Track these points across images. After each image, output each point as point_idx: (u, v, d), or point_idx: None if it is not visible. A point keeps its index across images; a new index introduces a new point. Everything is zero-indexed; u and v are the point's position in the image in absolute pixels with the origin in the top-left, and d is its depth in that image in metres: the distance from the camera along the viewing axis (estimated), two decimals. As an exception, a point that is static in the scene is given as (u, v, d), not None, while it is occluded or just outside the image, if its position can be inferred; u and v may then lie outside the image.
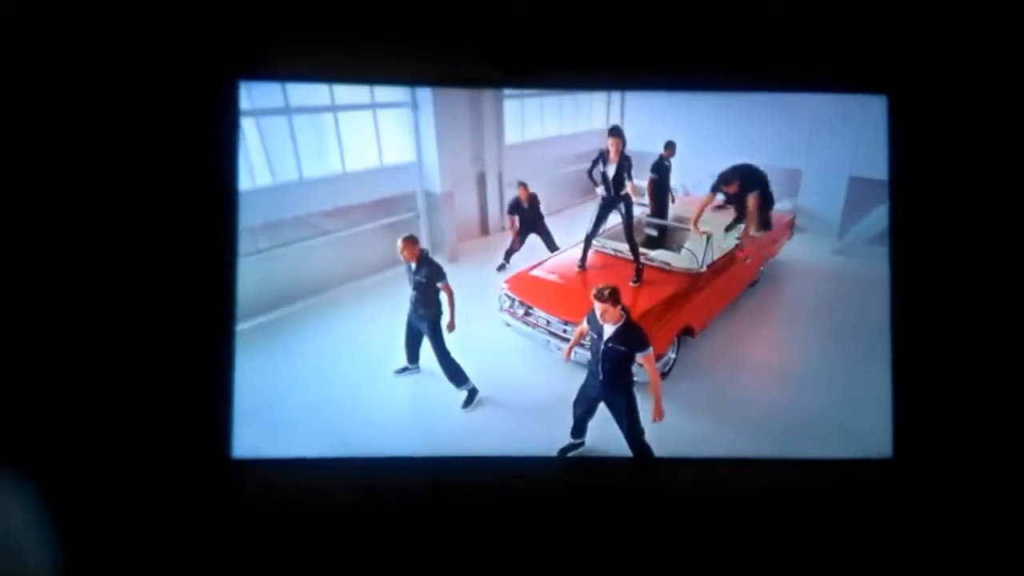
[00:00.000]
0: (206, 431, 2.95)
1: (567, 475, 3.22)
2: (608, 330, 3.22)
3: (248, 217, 3.14)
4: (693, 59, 3.14)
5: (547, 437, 3.37)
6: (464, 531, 3.04)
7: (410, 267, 3.76)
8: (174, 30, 2.86)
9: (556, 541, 3.03)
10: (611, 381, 3.26)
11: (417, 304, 3.78)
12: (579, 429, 3.40)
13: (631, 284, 4.18)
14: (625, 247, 4.40)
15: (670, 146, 4.78)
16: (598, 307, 3.20)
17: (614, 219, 4.40)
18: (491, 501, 3.06)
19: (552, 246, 4.77)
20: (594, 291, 3.19)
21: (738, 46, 3.14)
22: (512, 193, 4.82)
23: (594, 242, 4.44)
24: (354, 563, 2.99)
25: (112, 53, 2.83)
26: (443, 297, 3.79)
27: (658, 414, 3.27)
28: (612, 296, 3.17)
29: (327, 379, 3.71)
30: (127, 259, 2.86)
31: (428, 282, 3.75)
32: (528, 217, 4.80)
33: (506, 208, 4.90)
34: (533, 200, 4.75)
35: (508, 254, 4.78)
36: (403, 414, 3.67)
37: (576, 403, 3.38)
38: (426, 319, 3.78)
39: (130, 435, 2.87)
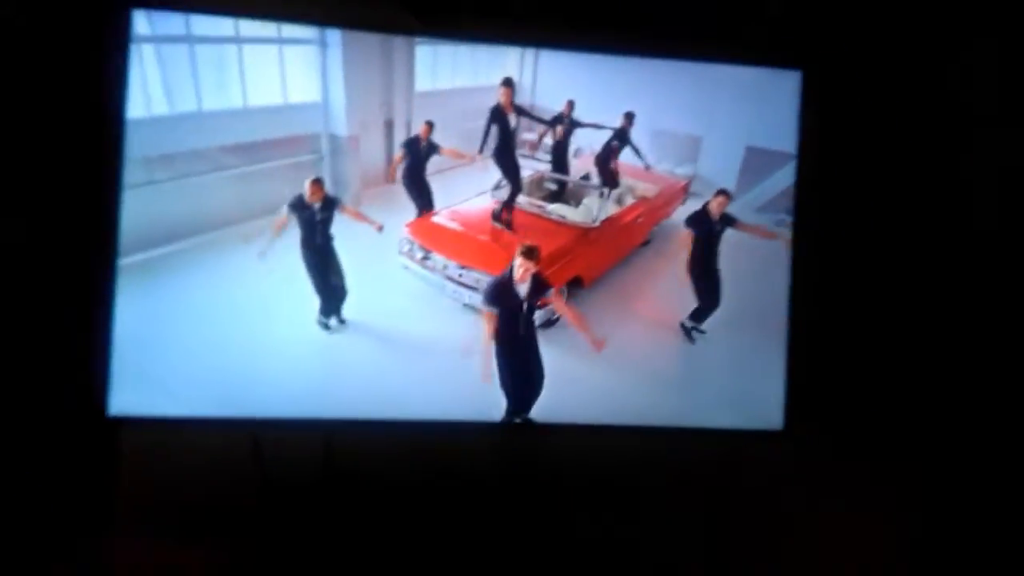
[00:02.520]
0: (80, 382, 2.83)
1: (461, 439, 3.27)
2: (523, 290, 3.22)
3: (143, 147, 3.06)
4: (612, 22, 3.19)
5: (450, 397, 3.33)
6: (355, 501, 3.06)
7: (312, 209, 3.79)
8: None
9: (459, 510, 3.13)
10: (531, 341, 3.30)
11: (327, 240, 3.83)
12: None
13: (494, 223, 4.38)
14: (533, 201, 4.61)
15: (570, 104, 4.83)
16: (522, 264, 3.17)
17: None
18: (389, 470, 3.12)
19: (429, 206, 4.62)
20: (522, 249, 3.18)
21: (658, 13, 3.20)
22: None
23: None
24: (236, 532, 2.96)
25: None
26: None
27: (598, 344, 3.34)
28: (538, 256, 3.19)
29: (216, 325, 3.56)
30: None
31: (331, 214, 3.83)
32: (416, 164, 4.61)
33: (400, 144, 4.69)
34: (430, 147, 4.58)
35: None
36: (296, 369, 3.52)
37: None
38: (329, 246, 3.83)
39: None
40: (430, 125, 4.51)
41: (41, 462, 2.77)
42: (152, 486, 2.88)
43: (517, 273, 3.20)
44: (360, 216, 3.97)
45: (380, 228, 3.98)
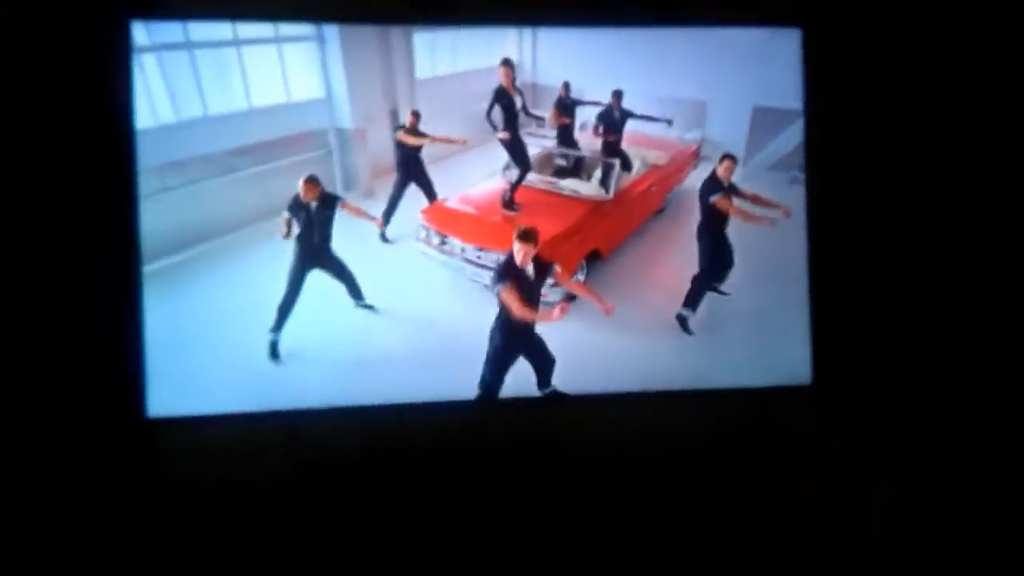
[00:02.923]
0: (118, 387, 2.86)
1: (488, 417, 3.27)
2: (529, 270, 3.20)
3: (153, 156, 3.08)
4: None
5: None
6: (394, 485, 3.07)
7: (308, 208, 3.74)
8: None
9: (492, 490, 3.12)
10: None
11: (325, 239, 3.79)
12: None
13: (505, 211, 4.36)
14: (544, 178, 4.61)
15: (565, 85, 4.85)
16: (520, 247, 3.14)
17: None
18: (424, 451, 3.10)
19: (433, 197, 4.60)
20: (518, 232, 3.14)
21: None
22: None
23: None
24: (279, 526, 2.97)
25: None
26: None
27: (608, 305, 3.29)
28: (536, 237, 3.14)
29: (239, 322, 3.63)
30: (23, 206, 2.79)
31: (331, 213, 3.78)
32: (409, 161, 4.57)
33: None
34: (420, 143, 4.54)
35: (387, 214, 4.55)
36: (325, 358, 3.61)
37: (501, 366, 3.31)
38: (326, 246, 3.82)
39: (34, 397, 2.78)
40: (416, 115, 4.50)
41: (85, 466, 2.81)
42: (193, 482, 2.91)
43: (518, 257, 3.17)
44: (361, 213, 3.93)
45: (381, 224, 3.94)
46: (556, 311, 3.08)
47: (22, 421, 2.77)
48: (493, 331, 3.27)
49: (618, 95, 4.77)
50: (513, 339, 3.24)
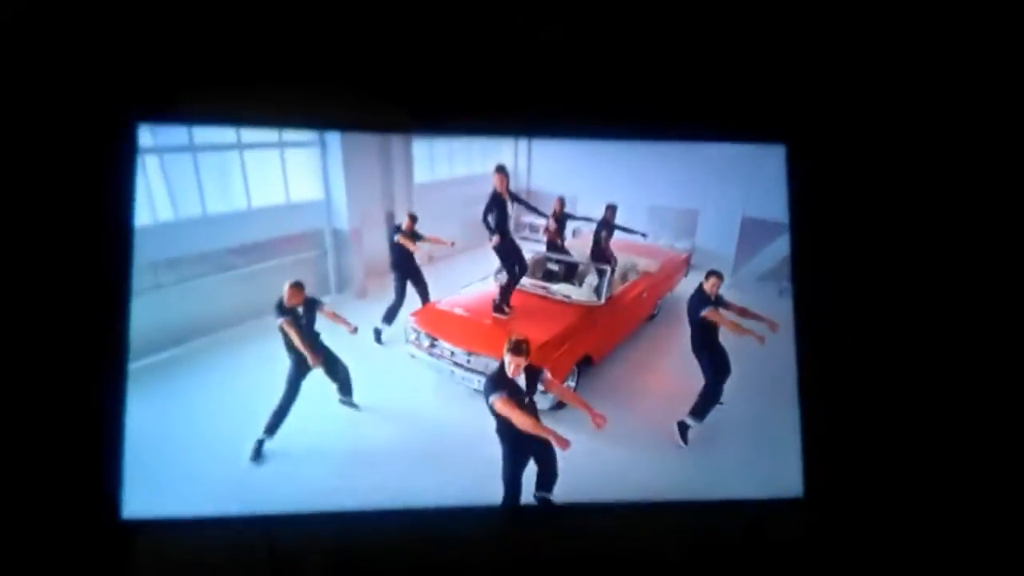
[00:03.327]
0: (94, 488, 2.77)
1: (478, 528, 3.13)
2: (521, 381, 3.15)
3: (149, 252, 3.11)
4: (598, 108, 3.27)
5: (467, 485, 3.28)
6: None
7: (295, 313, 3.73)
8: (74, 71, 2.84)
9: None
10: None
11: (310, 338, 3.78)
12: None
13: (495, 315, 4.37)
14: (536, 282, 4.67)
15: (560, 200, 4.98)
16: (512, 360, 3.10)
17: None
18: (405, 560, 3.00)
19: (426, 297, 4.67)
20: (510, 345, 3.10)
21: (641, 97, 3.28)
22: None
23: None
24: None
25: (8, 95, 2.81)
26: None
27: (599, 417, 3.17)
28: (528, 350, 3.11)
29: (225, 423, 3.59)
30: (16, 295, 2.76)
31: (313, 316, 3.80)
32: (404, 262, 4.65)
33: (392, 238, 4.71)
34: (414, 237, 4.63)
35: (392, 313, 4.63)
36: (308, 462, 3.54)
37: (515, 465, 3.24)
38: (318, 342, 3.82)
39: (6, 492, 2.70)
40: (413, 218, 4.61)
41: (58, 567, 2.70)
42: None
43: (509, 369, 3.13)
44: (338, 318, 3.91)
45: (354, 330, 3.93)
46: (562, 444, 3.03)
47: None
48: (500, 436, 3.20)
49: (612, 209, 4.90)
50: (519, 442, 3.16)
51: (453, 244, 4.68)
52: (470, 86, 3.17)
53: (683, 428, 3.83)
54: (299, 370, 3.73)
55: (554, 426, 3.09)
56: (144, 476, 2.83)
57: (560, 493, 3.26)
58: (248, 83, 3.03)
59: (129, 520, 2.80)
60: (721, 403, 3.89)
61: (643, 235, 5.07)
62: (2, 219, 2.76)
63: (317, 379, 3.79)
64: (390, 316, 4.57)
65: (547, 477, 3.26)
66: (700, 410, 3.86)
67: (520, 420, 3.04)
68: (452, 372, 4.00)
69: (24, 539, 2.68)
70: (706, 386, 3.90)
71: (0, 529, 2.67)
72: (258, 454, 3.53)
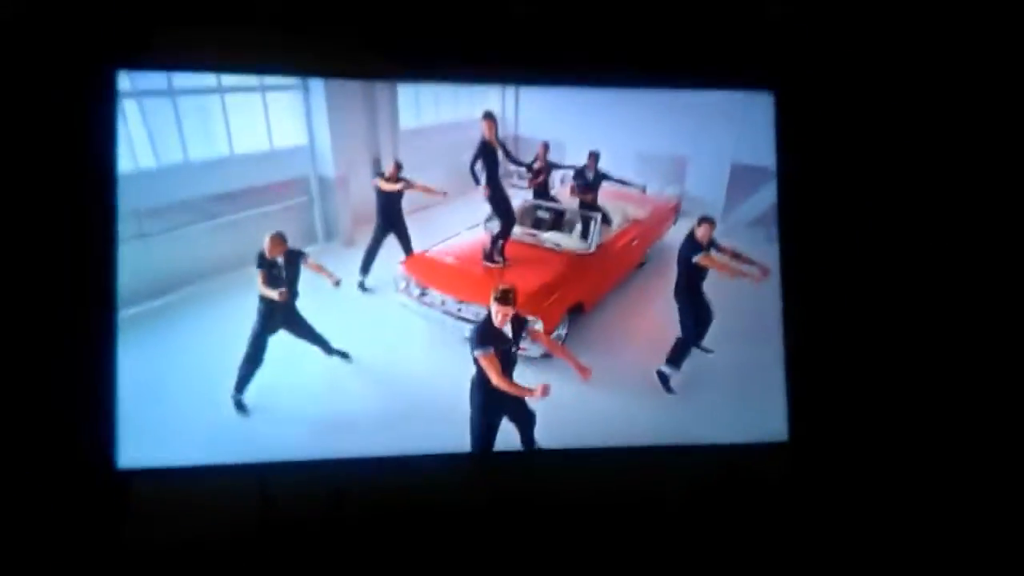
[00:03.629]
0: (89, 438, 2.78)
1: (469, 471, 3.20)
2: (508, 331, 3.11)
3: (132, 200, 3.04)
4: (585, 55, 3.21)
5: (453, 431, 3.22)
6: (367, 542, 2.99)
7: (276, 264, 3.67)
8: (51, 17, 2.75)
9: (467, 544, 3.05)
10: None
11: (291, 297, 3.73)
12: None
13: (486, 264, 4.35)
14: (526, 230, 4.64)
15: (544, 145, 4.94)
16: (499, 310, 3.04)
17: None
18: (397, 509, 3.04)
19: (408, 248, 4.57)
20: (496, 294, 3.04)
21: (630, 43, 3.22)
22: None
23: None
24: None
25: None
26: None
27: (584, 371, 3.18)
28: (515, 299, 3.05)
29: (215, 373, 3.54)
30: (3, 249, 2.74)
31: (296, 269, 3.73)
32: (388, 210, 4.55)
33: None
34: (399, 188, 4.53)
35: (366, 262, 4.55)
36: (300, 411, 3.51)
37: (488, 420, 3.20)
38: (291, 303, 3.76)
39: (4, 444, 2.71)
40: (398, 166, 4.52)
41: (56, 517, 2.71)
42: (163, 534, 2.82)
43: (496, 319, 3.09)
44: (321, 269, 3.83)
45: (337, 283, 3.84)
46: (538, 390, 2.98)
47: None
48: (472, 393, 3.17)
49: (594, 156, 4.85)
50: (492, 399, 3.13)
51: (446, 194, 4.59)
52: (454, 32, 3.10)
53: (663, 377, 3.86)
54: (264, 326, 3.65)
55: (545, 375, 3.10)
56: (137, 426, 2.84)
57: (546, 439, 3.28)
58: (228, 26, 2.94)
59: (124, 469, 2.82)
60: (711, 351, 3.94)
61: (643, 188, 5.03)
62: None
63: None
64: (366, 264, 4.50)
65: (527, 431, 3.27)
66: (676, 358, 3.89)
67: (497, 379, 3.01)
68: (443, 321, 3.98)
69: (23, 491, 2.69)
70: (682, 334, 3.93)
71: (1, 483, 2.69)
72: (241, 408, 3.50)
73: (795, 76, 3.32)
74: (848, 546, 3.21)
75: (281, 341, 3.69)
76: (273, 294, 3.60)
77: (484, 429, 3.18)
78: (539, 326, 3.25)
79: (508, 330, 3.11)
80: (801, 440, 3.27)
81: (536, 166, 4.85)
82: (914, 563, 3.17)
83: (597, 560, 3.11)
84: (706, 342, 3.96)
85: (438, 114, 5.47)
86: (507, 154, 4.41)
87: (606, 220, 4.69)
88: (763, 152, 3.41)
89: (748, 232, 4.37)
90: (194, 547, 2.83)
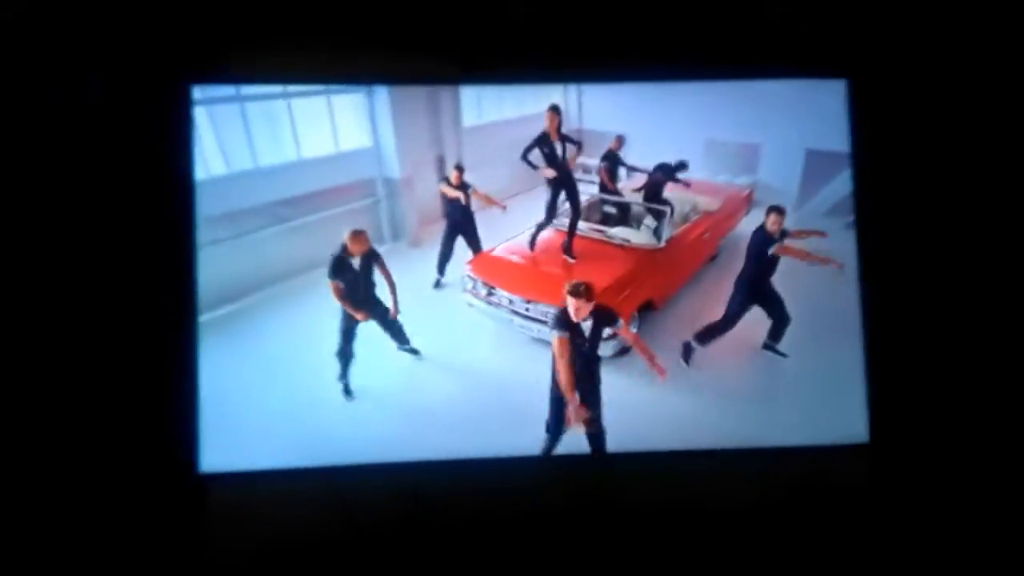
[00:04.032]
0: (172, 441, 2.84)
1: (542, 474, 3.14)
2: (586, 328, 3.07)
3: (205, 207, 3.09)
4: (652, 50, 3.13)
5: (529, 431, 3.22)
6: (446, 545, 2.97)
7: (352, 263, 3.69)
8: (131, 37, 2.83)
9: (542, 548, 2.99)
10: (587, 376, 3.15)
11: (369, 289, 3.76)
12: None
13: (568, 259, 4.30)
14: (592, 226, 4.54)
15: (619, 139, 4.88)
16: (573, 303, 3.00)
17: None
18: (474, 510, 3.01)
19: (477, 249, 4.53)
20: (569, 288, 3.00)
21: (699, 36, 3.14)
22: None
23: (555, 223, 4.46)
24: None
25: (71, 62, 2.81)
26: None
27: (661, 372, 3.18)
28: (588, 292, 2.99)
29: (293, 375, 3.59)
30: (87, 259, 2.81)
31: (370, 264, 3.74)
32: (456, 213, 4.52)
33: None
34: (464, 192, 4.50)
35: (441, 264, 4.55)
36: (376, 412, 3.54)
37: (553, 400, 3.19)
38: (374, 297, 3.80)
39: (90, 448, 2.77)
40: (460, 169, 4.47)
41: (140, 521, 2.77)
42: (244, 538, 2.88)
43: (572, 312, 3.03)
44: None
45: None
46: (574, 411, 3.03)
47: (77, 473, 2.76)
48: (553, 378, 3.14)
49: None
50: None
51: (505, 208, 4.56)
52: (517, 33, 3.06)
53: (687, 349, 3.82)
54: (349, 320, 3.71)
55: (615, 375, 3.03)
56: (219, 430, 2.89)
57: (619, 442, 3.20)
58: (293, 42, 2.98)
59: (207, 473, 2.87)
60: (784, 355, 3.81)
61: (686, 184, 4.89)
62: (71, 185, 2.80)
63: (375, 331, 3.78)
64: (441, 264, 4.51)
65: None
66: (706, 335, 3.83)
67: (562, 370, 3.00)
68: (511, 321, 3.95)
69: (107, 494, 2.76)
70: (725, 315, 3.85)
71: (84, 486, 2.76)
72: (348, 391, 3.61)
73: (869, 62, 3.17)
74: (931, 553, 3.06)
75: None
76: (357, 316, 3.67)
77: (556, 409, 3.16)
78: (620, 323, 3.17)
79: (587, 326, 3.07)
80: (883, 442, 3.12)
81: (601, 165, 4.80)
82: (996, 570, 3.01)
83: (672, 567, 3.04)
84: (783, 344, 3.85)
85: (501, 110, 5.43)
86: (573, 142, 4.33)
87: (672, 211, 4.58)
88: (838, 137, 3.27)
89: (824, 221, 4.20)
90: (274, 551, 2.86)
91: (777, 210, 3.79)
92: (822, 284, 3.49)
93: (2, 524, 2.68)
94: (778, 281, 3.85)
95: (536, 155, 4.24)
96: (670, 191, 4.75)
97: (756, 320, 3.85)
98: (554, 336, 3.03)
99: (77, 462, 2.76)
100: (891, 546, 3.05)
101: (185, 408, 2.84)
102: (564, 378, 3.02)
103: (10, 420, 2.71)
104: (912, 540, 3.04)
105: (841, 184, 3.49)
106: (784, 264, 3.84)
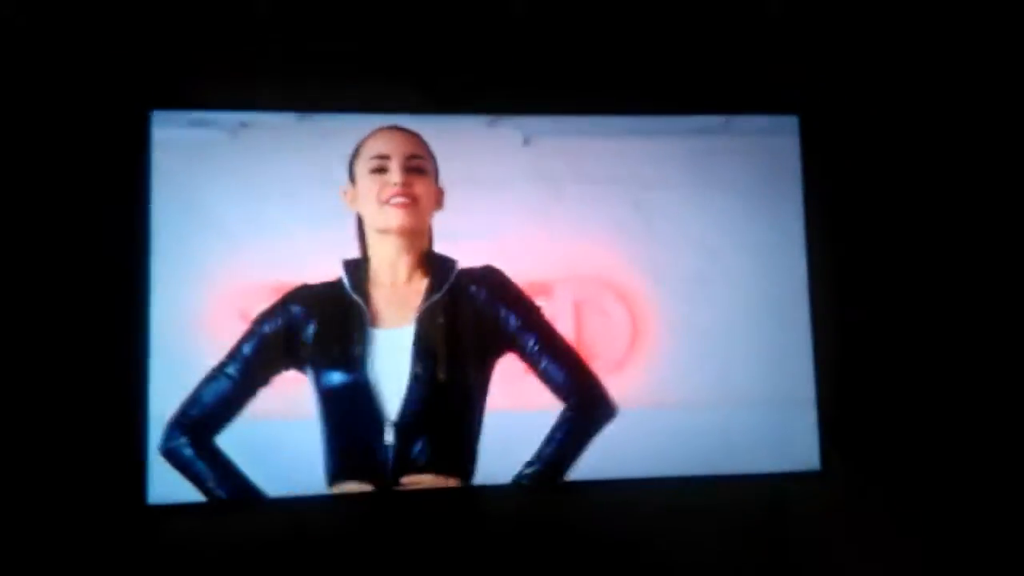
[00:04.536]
0: (118, 468, 2.79)
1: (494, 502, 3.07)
2: None
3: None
4: (605, 87, 3.23)
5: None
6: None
7: None
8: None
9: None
10: None
11: None
12: None
13: None
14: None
15: None
16: None
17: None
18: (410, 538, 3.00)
19: None
20: None
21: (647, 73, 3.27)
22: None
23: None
24: None
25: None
26: None
27: None
28: None
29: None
30: (40, 272, 2.83)
31: None
32: None
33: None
34: None
35: None
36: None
37: None
38: None
39: (27, 478, 2.75)
40: None
41: (85, 554, 2.75)
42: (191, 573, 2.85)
43: None
44: None
45: None
46: None
47: (18, 503, 2.75)
48: None
49: None
50: None
51: None
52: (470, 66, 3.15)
53: None
54: None
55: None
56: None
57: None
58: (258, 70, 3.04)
59: (154, 505, 2.82)
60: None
61: None
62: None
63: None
64: None
65: None
66: None
67: None
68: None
69: (56, 523, 2.76)
70: None
71: (33, 515, 2.75)
72: None
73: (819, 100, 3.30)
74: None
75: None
76: None
77: None
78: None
79: None
80: (835, 469, 3.17)
81: None
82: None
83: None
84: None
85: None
86: None
87: None
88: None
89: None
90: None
91: None
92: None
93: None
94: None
95: None
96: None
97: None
98: None
99: (18, 491, 2.76)
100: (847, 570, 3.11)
101: (133, 435, 2.81)
102: None
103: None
104: (868, 564, 3.11)
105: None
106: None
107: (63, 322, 2.81)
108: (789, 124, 3.33)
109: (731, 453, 3.22)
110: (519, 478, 2.92)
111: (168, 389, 2.87)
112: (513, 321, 2.93)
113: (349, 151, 2.99)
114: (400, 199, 2.85)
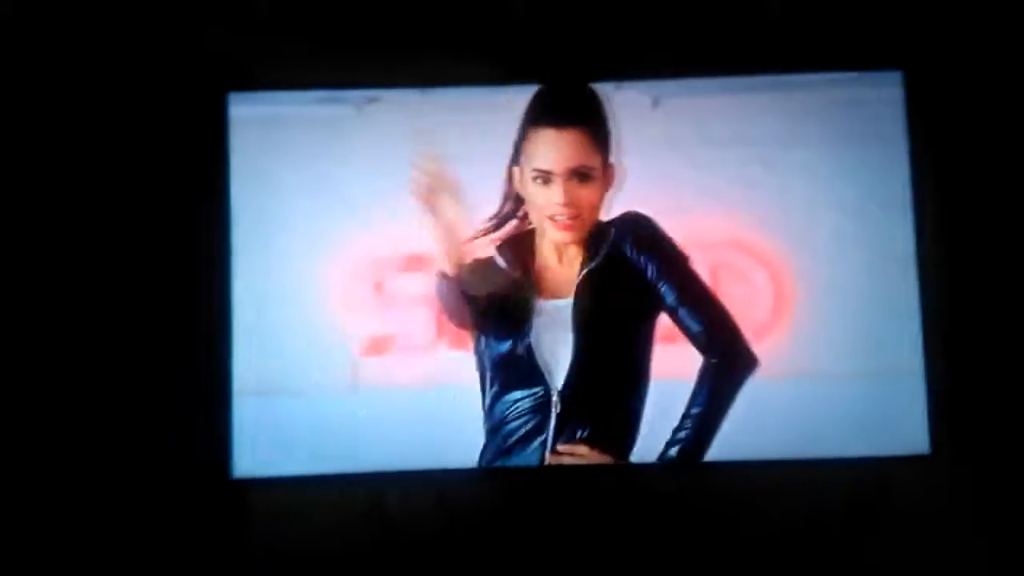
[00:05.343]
0: (204, 444, 2.85)
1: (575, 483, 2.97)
2: None
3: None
4: (700, 51, 3.08)
5: None
6: (477, 549, 2.93)
7: None
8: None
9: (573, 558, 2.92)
10: None
11: None
12: None
13: None
14: None
15: None
16: None
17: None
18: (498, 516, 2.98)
19: None
20: None
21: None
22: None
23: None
24: None
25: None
26: None
27: None
28: None
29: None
30: (122, 259, 2.88)
31: None
32: None
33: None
34: None
35: None
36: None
37: None
38: None
39: (119, 455, 2.82)
40: None
41: (171, 527, 2.80)
42: (276, 546, 2.86)
43: None
44: None
45: None
46: None
47: (106, 478, 2.80)
48: None
49: None
50: None
51: None
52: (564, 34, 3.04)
53: None
54: None
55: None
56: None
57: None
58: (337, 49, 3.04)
59: (239, 479, 2.87)
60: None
61: None
62: (109, 189, 2.88)
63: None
64: None
65: None
66: None
67: None
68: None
69: (141, 497, 2.81)
70: None
71: (120, 490, 2.80)
72: None
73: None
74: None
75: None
76: None
77: None
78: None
79: None
80: (943, 452, 3.00)
81: None
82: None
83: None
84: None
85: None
86: None
87: None
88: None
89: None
90: (306, 557, 2.85)
91: None
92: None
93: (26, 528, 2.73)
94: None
95: None
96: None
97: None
98: None
99: (105, 466, 2.81)
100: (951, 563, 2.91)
101: (219, 409, 2.86)
102: None
103: (37, 424, 2.78)
104: (974, 556, 2.91)
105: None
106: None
107: (149, 299, 2.87)
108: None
109: (831, 431, 3.03)
110: (671, 443, 2.88)
111: (251, 364, 2.92)
112: (652, 271, 2.88)
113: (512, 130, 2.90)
114: (563, 219, 2.81)
